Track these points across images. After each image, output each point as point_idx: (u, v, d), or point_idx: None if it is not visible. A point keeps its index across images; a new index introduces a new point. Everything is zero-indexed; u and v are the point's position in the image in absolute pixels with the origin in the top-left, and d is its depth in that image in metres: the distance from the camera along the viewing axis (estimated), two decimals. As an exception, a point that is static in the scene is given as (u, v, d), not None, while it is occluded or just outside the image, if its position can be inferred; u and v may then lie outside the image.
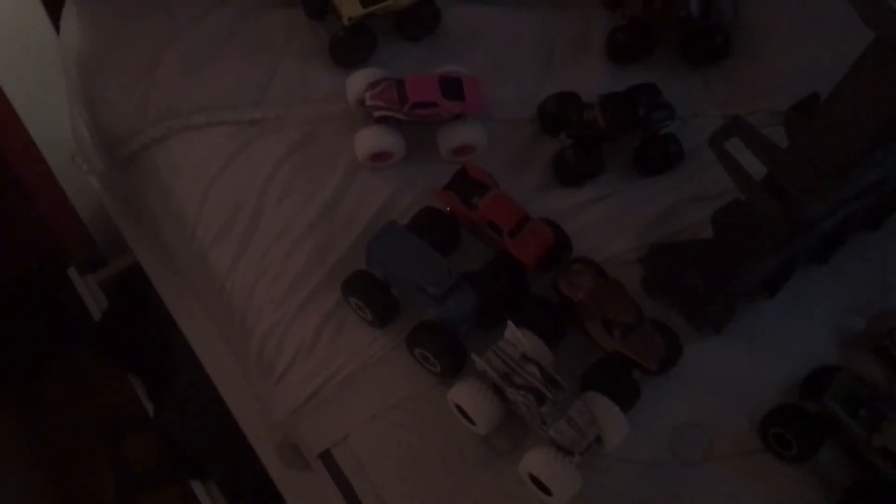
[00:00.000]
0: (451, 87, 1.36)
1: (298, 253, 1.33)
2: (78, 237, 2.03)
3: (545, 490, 1.12)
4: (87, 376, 2.10)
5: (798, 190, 1.04)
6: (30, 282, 2.03)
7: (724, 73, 1.51)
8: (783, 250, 1.22)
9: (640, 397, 1.22)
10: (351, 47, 1.48)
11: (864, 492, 1.17)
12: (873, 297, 1.34)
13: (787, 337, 1.30)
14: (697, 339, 1.28)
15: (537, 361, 1.14)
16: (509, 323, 1.16)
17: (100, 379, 2.05)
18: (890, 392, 1.18)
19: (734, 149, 1.15)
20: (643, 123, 1.38)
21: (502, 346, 1.16)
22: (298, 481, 1.51)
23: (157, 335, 1.83)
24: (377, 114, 1.36)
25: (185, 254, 1.46)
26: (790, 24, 1.51)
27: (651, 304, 1.29)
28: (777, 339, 1.30)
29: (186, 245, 1.44)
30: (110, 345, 1.87)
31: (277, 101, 1.47)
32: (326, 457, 1.25)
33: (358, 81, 1.39)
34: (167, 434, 1.80)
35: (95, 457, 2.07)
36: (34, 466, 2.05)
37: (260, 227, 1.37)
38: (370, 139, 1.37)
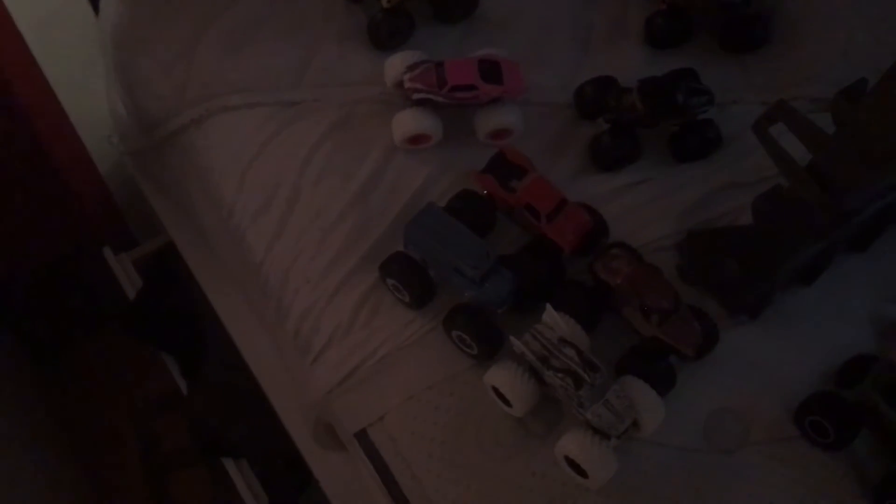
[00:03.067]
0: (490, 70, 1.36)
1: (336, 234, 1.34)
2: (111, 217, 2.04)
3: (581, 472, 1.13)
4: (120, 355, 2.11)
5: (843, 177, 1.04)
6: (64, 261, 2.05)
7: (763, 59, 1.50)
8: (823, 238, 1.21)
9: (677, 383, 1.22)
10: (389, 30, 1.48)
11: (900, 481, 1.17)
12: (911, 286, 1.33)
13: (824, 325, 1.29)
14: (733, 326, 1.28)
15: (575, 345, 1.14)
16: (548, 306, 1.16)
17: (133, 358, 2.07)
18: (928, 382, 1.18)
19: (776, 134, 1.14)
20: (682, 109, 1.37)
21: (540, 328, 1.16)
22: (330, 461, 1.52)
23: (191, 315, 1.84)
24: (416, 96, 1.36)
25: (222, 234, 1.47)
26: (831, 11, 1.49)
27: (686, 290, 1.29)
28: (814, 327, 1.29)
29: (223, 225, 1.45)
30: (144, 324, 1.88)
31: (315, 83, 1.47)
32: (362, 436, 1.26)
33: (396, 64, 1.39)
34: (199, 413, 1.81)
35: (126, 436, 2.10)
36: (65, 445, 2.07)
37: (297, 207, 1.37)
38: (408, 121, 1.37)
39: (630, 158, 1.41)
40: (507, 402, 1.18)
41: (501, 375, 1.16)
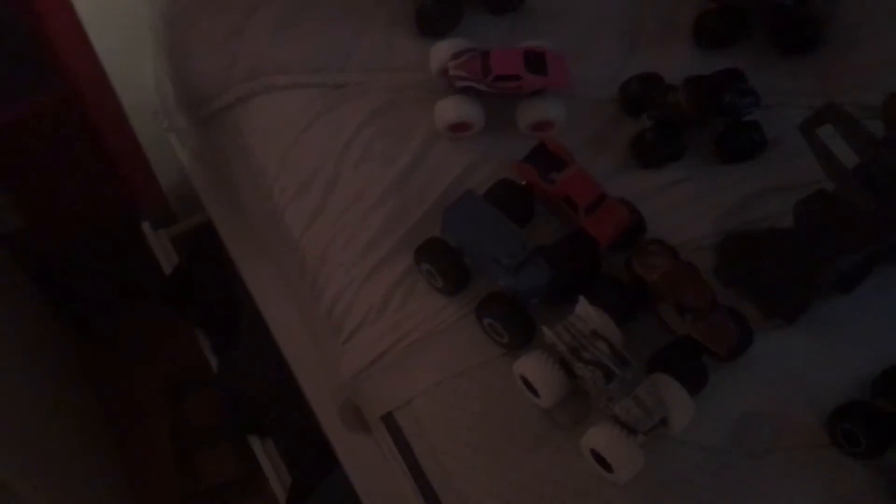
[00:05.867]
0: (536, 61, 1.35)
1: (373, 217, 1.34)
2: (152, 193, 2.07)
3: (607, 467, 1.12)
4: (155, 330, 2.14)
5: (892, 182, 1.02)
6: (103, 235, 2.08)
7: (814, 63, 1.48)
8: (868, 246, 1.19)
9: (708, 383, 1.21)
10: (437, 17, 1.48)
11: (934, 496, 1.15)
12: (954, 298, 1.30)
13: (861, 333, 1.27)
14: (769, 330, 1.26)
15: (607, 338, 1.14)
16: (581, 298, 1.16)
17: (167, 333, 2.09)
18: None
19: (823, 137, 1.13)
20: (728, 109, 1.36)
21: (573, 320, 1.15)
22: (356, 444, 1.52)
23: (225, 293, 1.86)
24: (459, 84, 1.36)
25: (261, 213, 1.48)
26: (886, 16, 1.47)
27: (723, 292, 1.28)
28: (851, 336, 1.27)
29: (263, 204, 1.46)
30: (179, 299, 1.91)
31: (361, 66, 1.48)
32: (389, 419, 1.26)
33: (442, 51, 1.39)
34: (229, 391, 1.83)
35: (156, 410, 2.12)
36: (97, 418, 2.10)
37: (337, 189, 1.38)
38: (450, 109, 1.37)
39: (673, 157, 1.40)
40: (535, 393, 1.18)
41: (531, 365, 1.16)
